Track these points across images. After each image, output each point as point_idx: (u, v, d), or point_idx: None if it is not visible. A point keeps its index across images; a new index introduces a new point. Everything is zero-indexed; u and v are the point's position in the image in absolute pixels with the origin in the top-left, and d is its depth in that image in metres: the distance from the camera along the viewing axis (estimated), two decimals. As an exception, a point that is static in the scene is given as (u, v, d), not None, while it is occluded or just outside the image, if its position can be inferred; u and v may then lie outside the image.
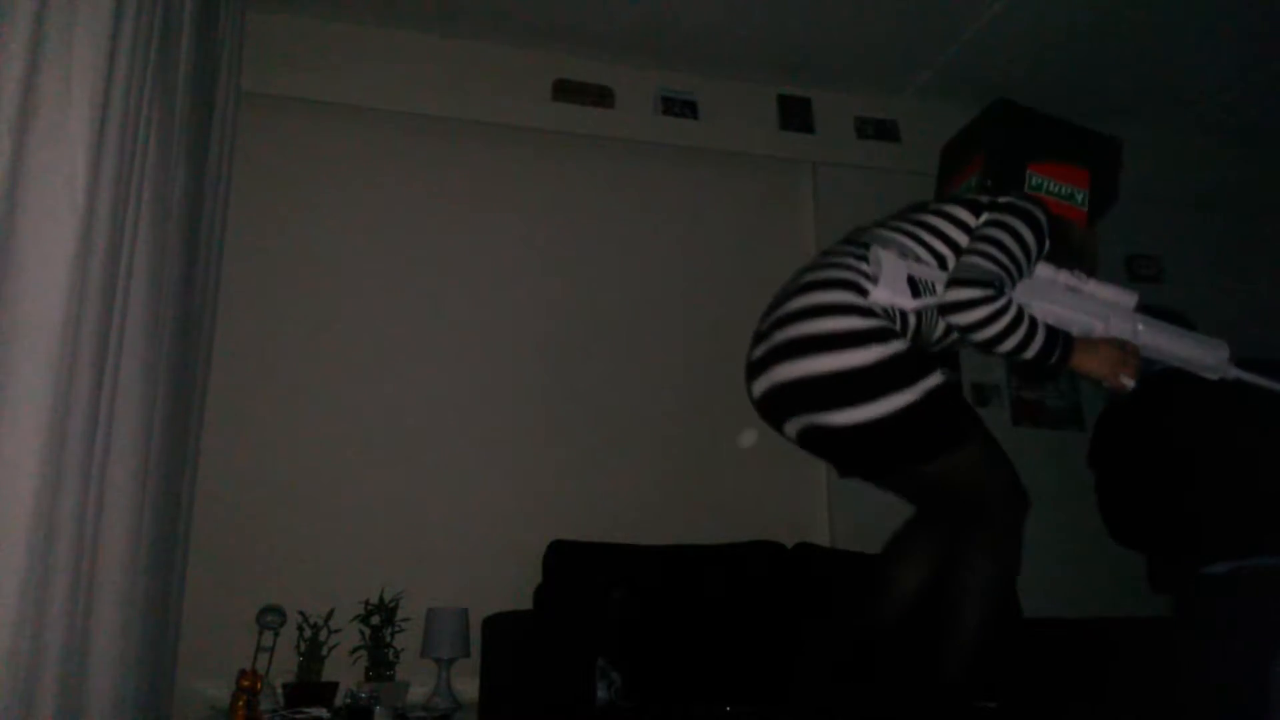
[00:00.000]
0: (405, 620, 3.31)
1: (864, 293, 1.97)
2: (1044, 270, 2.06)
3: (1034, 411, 4.17)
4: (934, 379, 1.94)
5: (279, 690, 3.08)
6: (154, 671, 2.60)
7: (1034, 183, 2.20)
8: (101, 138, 1.92)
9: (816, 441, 2.14)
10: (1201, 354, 2.08)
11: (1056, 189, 2.21)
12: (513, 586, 3.38)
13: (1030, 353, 1.91)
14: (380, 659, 3.23)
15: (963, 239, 2.05)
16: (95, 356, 1.94)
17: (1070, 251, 2.22)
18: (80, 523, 1.91)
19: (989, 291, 1.87)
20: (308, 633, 3.22)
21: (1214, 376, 2.07)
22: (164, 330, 2.49)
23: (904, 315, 2.00)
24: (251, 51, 3.57)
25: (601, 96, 4.08)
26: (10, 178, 1.73)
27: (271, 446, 3.48)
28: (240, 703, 2.81)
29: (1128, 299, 2.08)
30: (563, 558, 3.36)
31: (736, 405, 3.95)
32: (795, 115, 4.28)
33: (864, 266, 2.02)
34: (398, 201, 3.83)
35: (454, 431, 3.66)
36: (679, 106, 4.16)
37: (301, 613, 3.24)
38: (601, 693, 2.93)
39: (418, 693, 3.23)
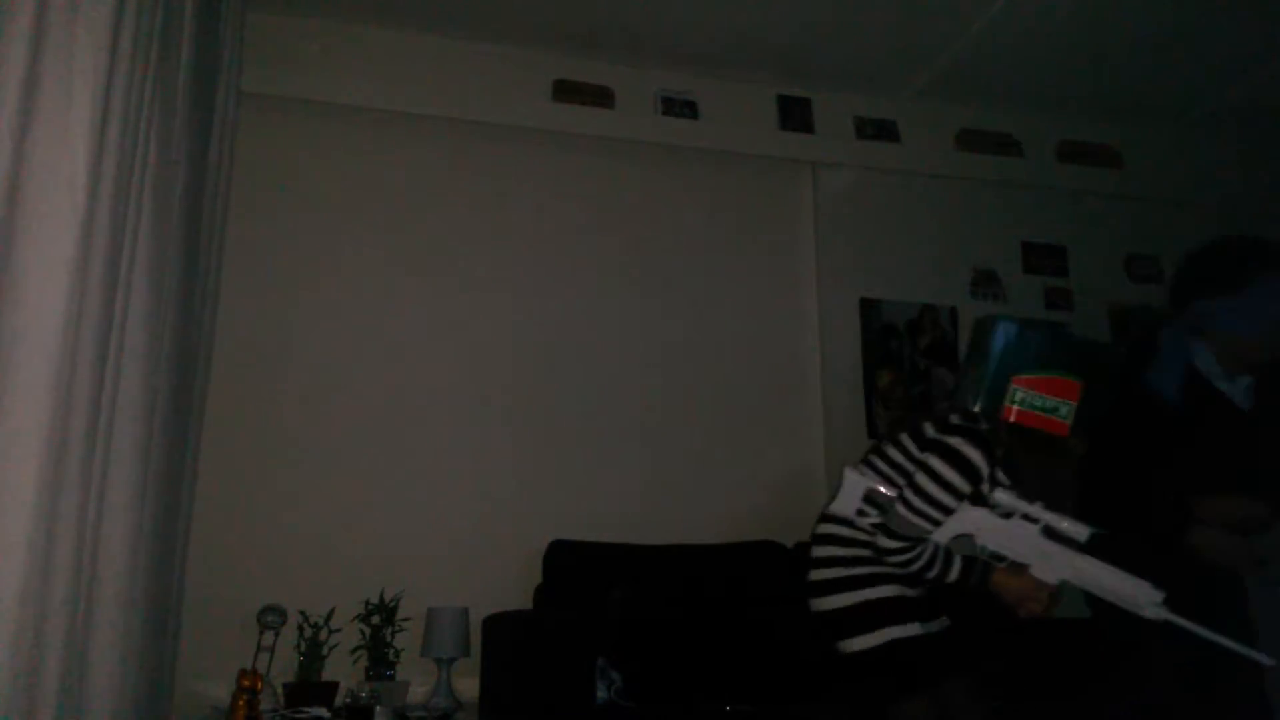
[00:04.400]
0: (405, 620, 3.31)
1: (848, 542, 2.37)
2: (1003, 496, 2.25)
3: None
4: (900, 629, 2.28)
5: (279, 690, 3.09)
6: (154, 671, 2.60)
7: (1016, 397, 2.27)
8: (102, 139, 1.93)
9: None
10: (1134, 593, 2.20)
11: (1040, 403, 2.27)
12: (513, 586, 3.39)
13: (948, 579, 2.28)
14: (380, 658, 3.23)
15: (909, 467, 2.33)
16: (95, 357, 1.94)
17: (1040, 462, 2.38)
18: (81, 522, 1.92)
19: (907, 544, 2.25)
20: (308, 632, 3.22)
21: (1146, 615, 2.19)
22: (164, 330, 2.49)
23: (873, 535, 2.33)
24: (252, 52, 3.56)
25: (601, 96, 4.08)
26: (11, 179, 1.74)
27: (271, 446, 3.48)
28: (241, 702, 2.82)
29: (1079, 532, 2.21)
30: (563, 557, 3.36)
31: (737, 405, 3.97)
32: (795, 115, 4.28)
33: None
34: (397, 201, 3.83)
35: (454, 431, 3.66)
36: (679, 106, 4.16)
37: (302, 612, 3.25)
38: (601, 692, 2.93)
39: (418, 692, 3.23)
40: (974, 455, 2.24)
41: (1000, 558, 2.27)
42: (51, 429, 1.77)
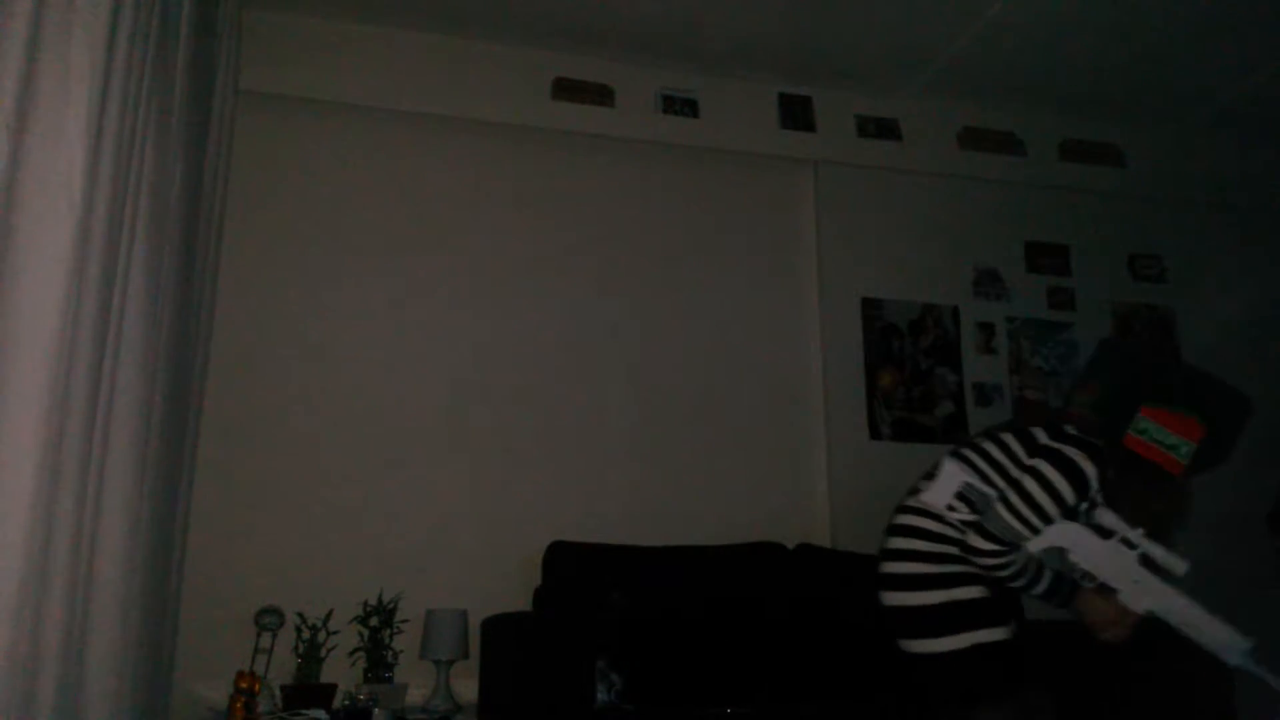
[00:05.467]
0: (404, 621, 3.30)
1: (934, 537, 2.30)
2: (1108, 516, 2.23)
3: (1036, 412, 4.17)
4: (988, 633, 2.22)
5: (277, 692, 3.07)
6: (152, 673, 2.59)
7: (1141, 425, 2.26)
8: (99, 137, 1.91)
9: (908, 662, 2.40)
10: (1224, 637, 2.18)
11: (1163, 437, 2.25)
12: (512, 587, 3.38)
13: (1035, 593, 2.29)
14: (379, 660, 3.22)
15: (1013, 470, 2.28)
16: (93, 357, 1.93)
17: (1152, 506, 2.33)
18: (78, 523, 1.91)
19: (1001, 548, 2.18)
20: (306, 634, 3.21)
21: (1230, 662, 2.18)
22: (161, 330, 2.48)
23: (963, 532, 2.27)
24: (249, 50, 3.56)
25: (601, 95, 4.06)
26: (8, 178, 1.72)
27: (269, 447, 3.47)
28: (238, 704, 2.81)
29: (1177, 566, 2.19)
30: (562, 559, 3.35)
31: (737, 406, 3.96)
32: (796, 114, 4.26)
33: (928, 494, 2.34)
34: (396, 201, 3.82)
35: (454, 432, 3.65)
36: (679, 105, 4.15)
37: (300, 614, 3.23)
38: (601, 694, 2.92)
39: (416, 694, 3.22)
40: (1089, 469, 2.21)
41: (1090, 578, 2.24)
42: (48, 430, 1.76)
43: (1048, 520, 2.18)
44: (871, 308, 4.11)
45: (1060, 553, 2.25)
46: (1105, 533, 2.23)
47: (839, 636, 3.31)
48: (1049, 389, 4.21)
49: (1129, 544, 2.20)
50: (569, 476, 3.70)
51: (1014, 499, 2.19)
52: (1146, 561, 2.20)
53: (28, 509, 1.70)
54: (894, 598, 2.33)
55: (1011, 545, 2.19)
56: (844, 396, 4.00)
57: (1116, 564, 2.21)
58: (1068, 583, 2.27)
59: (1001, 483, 2.25)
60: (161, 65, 2.36)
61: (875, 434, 3.98)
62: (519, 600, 3.31)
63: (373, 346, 3.65)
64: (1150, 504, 2.31)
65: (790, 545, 3.59)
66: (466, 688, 3.18)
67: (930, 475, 2.35)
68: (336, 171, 3.78)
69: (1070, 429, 2.31)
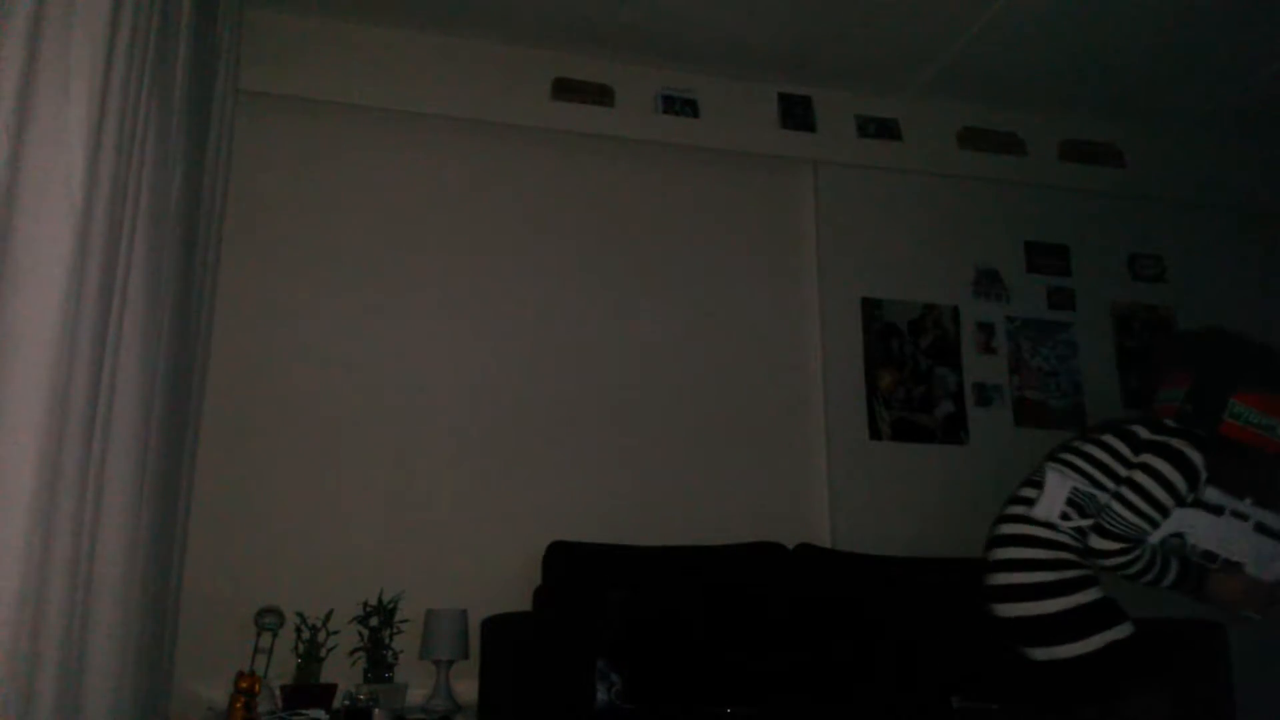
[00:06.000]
0: (404, 621, 3.30)
1: (1049, 544, 2.35)
2: (1213, 494, 2.27)
3: (1036, 412, 4.17)
4: (1117, 631, 2.25)
5: (277, 692, 3.07)
6: (152, 673, 2.59)
7: (1234, 411, 2.31)
8: (99, 137, 1.91)
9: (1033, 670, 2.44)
10: None
11: (1258, 419, 2.31)
12: (513, 587, 3.38)
13: (1165, 584, 2.28)
14: (379, 660, 3.22)
15: (1120, 468, 2.33)
16: (92, 357, 1.93)
17: (1256, 479, 2.39)
18: (78, 524, 1.91)
19: (1126, 545, 2.23)
20: (306, 634, 3.21)
21: None
22: (161, 330, 2.48)
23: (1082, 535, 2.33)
24: (249, 50, 3.56)
25: (601, 95, 4.06)
26: (8, 177, 1.72)
27: (269, 447, 3.47)
28: (238, 704, 2.81)
29: None
30: (562, 558, 3.35)
31: (737, 405, 3.95)
32: (796, 114, 4.26)
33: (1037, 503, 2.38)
34: (396, 200, 3.81)
35: (453, 431, 3.65)
36: (679, 105, 4.15)
37: (300, 614, 3.23)
38: (601, 694, 2.92)
39: (416, 694, 3.22)
40: (1195, 458, 2.26)
41: (1212, 557, 2.28)
42: (48, 429, 1.76)
43: (1165, 513, 2.24)
44: (871, 308, 4.11)
45: (1179, 539, 2.29)
46: (1215, 509, 2.27)
47: (839, 636, 3.31)
48: (1049, 390, 4.21)
49: (1241, 515, 2.25)
50: (569, 476, 3.70)
51: (1130, 496, 2.23)
52: (1262, 529, 2.25)
53: (28, 509, 1.70)
54: (1013, 609, 2.36)
55: (1135, 541, 2.23)
56: (844, 396, 4.00)
57: (1234, 538, 2.25)
58: (1194, 569, 2.28)
59: (1111, 484, 2.30)
60: (161, 65, 2.36)
61: (875, 434, 3.98)
62: (519, 600, 3.30)
63: (372, 346, 3.65)
64: (1253, 475, 2.36)
65: (790, 545, 3.59)
66: (466, 688, 3.18)
67: (1032, 483, 2.41)
68: (337, 171, 3.78)
69: (1170, 422, 2.37)
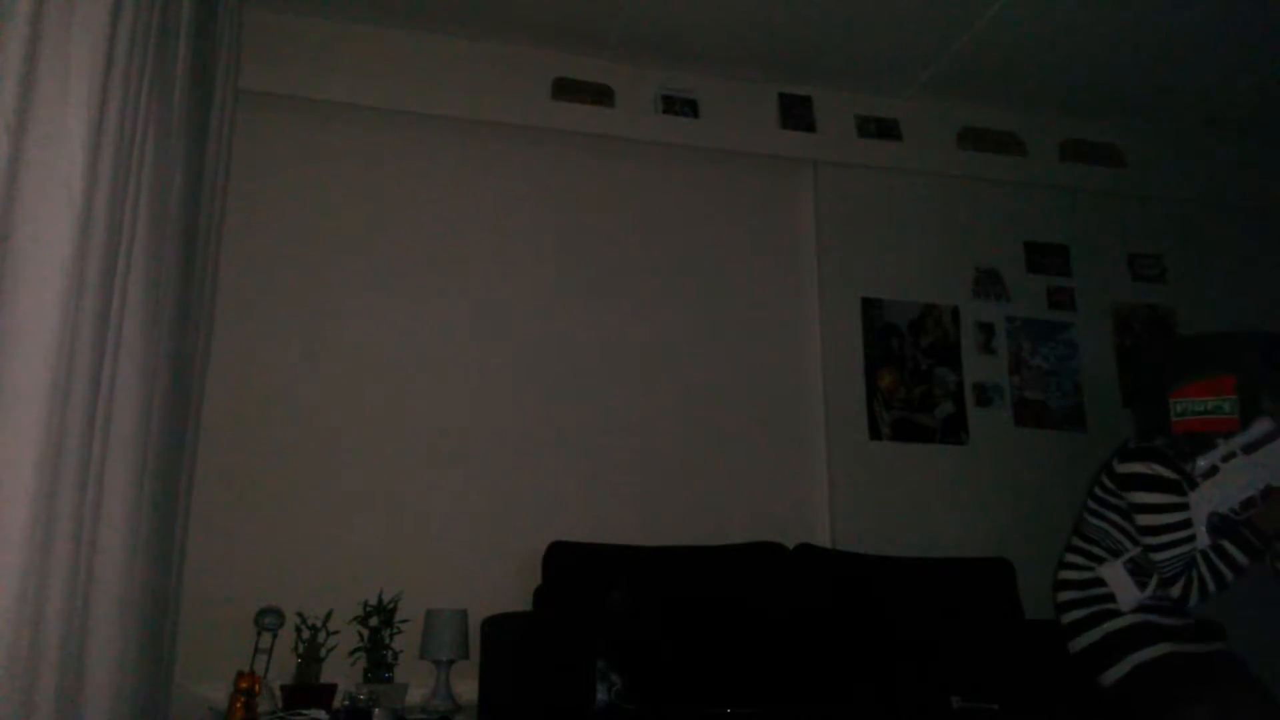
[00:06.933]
0: (404, 621, 3.29)
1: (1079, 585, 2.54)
2: (1201, 463, 2.36)
3: (1037, 412, 4.16)
4: (1144, 654, 2.37)
5: (277, 692, 3.07)
6: (152, 673, 2.59)
7: (1176, 410, 2.39)
8: (99, 137, 1.91)
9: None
10: None
11: (1200, 407, 2.37)
12: (512, 587, 3.37)
13: (1242, 564, 2.34)
14: (379, 660, 3.22)
15: (1121, 520, 2.47)
16: (92, 356, 1.93)
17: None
18: (78, 523, 1.91)
19: (1183, 574, 2.34)
20: (306, 634, 3.21)
21: None
22: (161, 330, 2.48)
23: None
24: (249, 50, 3.56)
25: (601, 95, 4.06)
26: (8, 177, 1.72)
27: (269, 447, 3.47)
28: (238, 704, 2.81)
29: (1266, 427, 2.32)
30: (562, 559, 3.35)
31: (737, 405, 3.95)
32: (796, 114, 4.26)
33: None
34: (396, 200, 3.81)
35: (453, 431, 3.64)
36: (679, 105, 4.15)
37: (300, 614, 3.23)
38: (601, 695, 2.92)
39: (416, 694, 3.22)
40: (1160, 469, 2.36)
41: (1249, 503, 2.33)
42: (48, 429, 1.76)
43: (1188, 522, 2.33)
44: (871, 308, 4.11)
45: (1218, 517, 2.36)
46: (1210, 471, 2.36)
47: (839, 636, 3.31)
48: (1050, 390, 4.21)
49: (1230, 455, 2.33)
50: (569, 476, 3.70)
51: (1152, 540, 2.35)
52: (1251, 448, 2.32)
53: (28, 508, 1.70)
54: (1071, 647, 2.57)
55: (1188, 565, 2.33)
56: (844, 396, 4.00)
57: (1243, 473, 2.32)
58: (1242, 527, 2.33)
59: (1129, 543, 2.45)
60: (161, 65, 2.36)
61: (875, 434, 3.98)
62: (519, 600, 3.30)
63: (372, 346, 3.65)
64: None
65: (790, 545, 3.58)
66: (466, 688, 3.18)
67: (1078, 533, 2.58)
68: (337, 171, 3.78)
69: (1131, 444, 2.48)
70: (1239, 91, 4.31)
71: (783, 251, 4.17)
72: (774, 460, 3.92)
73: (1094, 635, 2.44)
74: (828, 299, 4.10)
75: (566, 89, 4.03)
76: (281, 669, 3.14)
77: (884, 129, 4.34)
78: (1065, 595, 2.55)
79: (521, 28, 3.93)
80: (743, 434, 3.90)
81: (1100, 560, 2.48)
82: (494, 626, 3.11)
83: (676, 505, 3.74)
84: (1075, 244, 4.42)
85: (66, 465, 1.84)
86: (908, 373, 4.08)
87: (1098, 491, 2.58)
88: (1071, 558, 2.66)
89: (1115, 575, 2.45)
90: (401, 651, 3.26)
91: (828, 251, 4.15)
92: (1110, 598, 2.43)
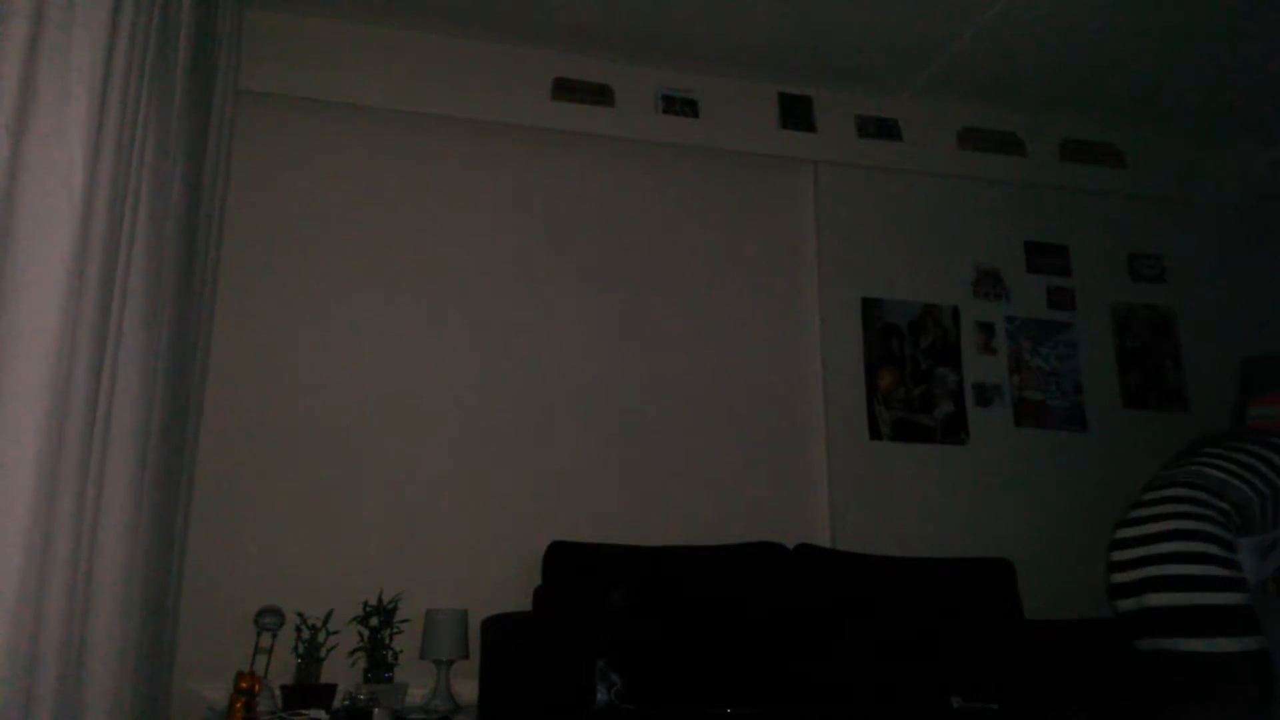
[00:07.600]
0: (404, 621, 3.30)
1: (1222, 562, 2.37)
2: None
3: (1037, 412, 4.17)
4: (1255, 641, 2.29)
5: (277, 692, 3.07)
6: (152, 673, 2.59)
7: (1251, 415, 2.53)
8: (99, 137, 1.91)
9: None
10: None
11: (1274, 412, 2.53)
12: (512, 587, 3.37)
13: None
14: (379, 660, 3.22)
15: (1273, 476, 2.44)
16: (93, 356, 1.93)
17: None
18: (78, 523, 1.90)
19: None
20: (306, 634, 3.21)
21: None
22: (162, 329, 2.48)
23: None
24: (250, 50, 3.56)
25: (601, 95, 4.06)
26: (8, 177, 1.72)
27: (269, 447, 3.47)
28: (238, 704, 2.81)
29: None
30: (562, 559, 3.35)
31: (737, 405, 3.95)
32: (796, 114, 4.26)
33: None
34: (395, 199, 3.81)
35: (453, 432, 3.64)
36: (679, 105, 4.15)
37: (300, 614, 3.23)
38: (601, 694, 2.92)
39: (416, 694, 3.22)
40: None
41: None
42: (49, 429, 1.76)
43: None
44: (871, 308, 4.11)
45: None
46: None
47: (839, 636, 3.31)
48: (1050, 390, 4.21)
49: None
50: (569, 476, 3.70)
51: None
52: None
53: (28, 508, 1.70)
54: (1172, 598, 2.37)
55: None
56: (844, 396, 4.00)
57: None
58: None
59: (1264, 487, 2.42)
60: (161, 65, 2.36)
61: (875, 434, 3.98)
62: (519, 600, 3.30)
63: (372, 346, 3.65)
64: None
65: (790, 545, 3.58)
66: (466, 688, 3.18)
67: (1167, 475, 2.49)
68: (337, 171, 3.78)
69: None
70: (1239, 91, 4.31)
71: (783, 251, 4.17)
72: (774, 460, 3.92)
73: (1224, 598, 2.30)
74: (828, 299, 4.10)
75: (566, 89, 4.03)
76: (281, 669, 3.14)
77: (884, 129, 4.34)
78: (1204, 548, 2.35)
79: (521, 28, 3.93)
80: (743, 433, 3.90)
81: (1240, 530, 2.45)
82: (494, 626, 3.11)
83: (676, 505, 3.74)
84: (1075, 244, 4.42)
85: (67, 465, 1.84)
86: (908, 373, 4.08)
87: (1242, 457, 2.46)
88: (1208, 512, 2.46)
89: (1251, 562, 2.44)
90: (401, 651, 3.26)
91: (828, 251, 4.15)
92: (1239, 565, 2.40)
